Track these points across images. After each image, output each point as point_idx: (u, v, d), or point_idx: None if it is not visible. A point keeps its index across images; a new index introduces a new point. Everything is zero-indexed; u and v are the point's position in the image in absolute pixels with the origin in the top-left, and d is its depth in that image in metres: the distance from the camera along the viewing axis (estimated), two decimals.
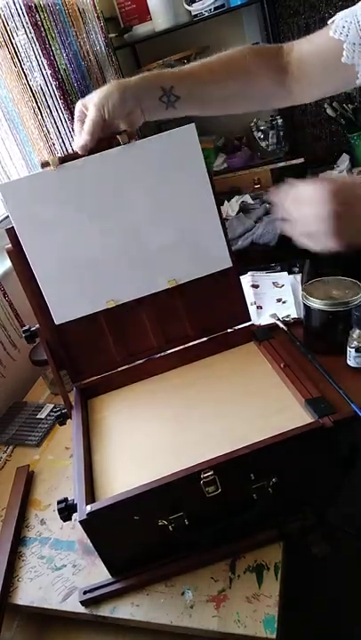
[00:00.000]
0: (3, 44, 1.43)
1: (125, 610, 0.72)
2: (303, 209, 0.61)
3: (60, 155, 1.49)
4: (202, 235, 0.88)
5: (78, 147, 0.79)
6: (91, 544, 0.72)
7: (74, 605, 0.75)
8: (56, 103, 1.56)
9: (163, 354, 0.98)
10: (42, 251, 0.84)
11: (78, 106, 0.78)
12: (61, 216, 0.83)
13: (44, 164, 0.80)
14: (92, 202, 0.83)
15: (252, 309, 1.21)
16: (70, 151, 0.84)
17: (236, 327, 0.98)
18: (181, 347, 0.98)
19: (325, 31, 0.75)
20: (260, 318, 1.20)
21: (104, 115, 0.75)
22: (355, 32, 0.72)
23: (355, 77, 0.75)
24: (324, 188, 0.59)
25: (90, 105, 0.76)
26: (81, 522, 0.67)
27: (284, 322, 0.97)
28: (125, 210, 0.85)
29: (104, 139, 0.79)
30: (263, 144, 2.29)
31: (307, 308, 0.88)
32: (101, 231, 0.85)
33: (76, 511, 0.69)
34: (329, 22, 0.75)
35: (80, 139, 0.78)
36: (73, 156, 0.81)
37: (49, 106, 1.55)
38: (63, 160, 0.81)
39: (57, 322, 0.88)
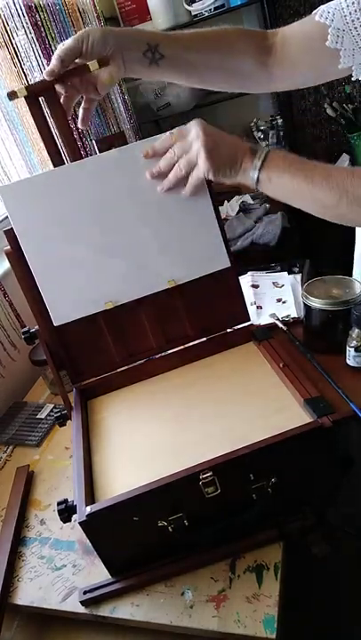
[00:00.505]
0: (3, 44, 1.43)
1: (125, 610, 0.72)
2: (181, 143, 0.74)
3: None
4: (199, 234, 0.87)
5: (46, 71, 0.76)
6: (91, 544, 0.72)
7: (74, 605, 0.75)
8: None
9: (162, 354, 0.98)
10: (41, 252, 0.84)
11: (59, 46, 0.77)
12: (61, 218, 0.83)
13: (12, 95, 0.77)
14: (92, 203, 0.83)
15: (251, 309, 1.21)
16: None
17: (236, 327, 0.98)
18: (181, 347, 0.98)
19: (311, 17, 0.78)
20: (259, 318, 1.20)
21: (81, 47, 0.74)
22: (340, 18, 0.74)
23: (337, 62, 0.77)
24: (199, 122, 0.73)
25: (69, 38, 0.75)
26: (80, 523, 0.67)
27: (283, 322, 0.97)
28: (124, 211, 0.84)
29: (75, 71, 0.77)
30: (263, 144, 2.29)
31: (307, 307, 0.88)
32: (101, 232, 0.85)
33: (76, 512, 0.69)
34: (314, 12, 0.77)
35: (50, 64, 0.76)
36: (41, 84, 0.78)
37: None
38: (31, 89, 0.78)
39: (56, 323, 0.88)
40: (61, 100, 0.80)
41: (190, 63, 0.81)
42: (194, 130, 0.73)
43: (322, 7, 0.76)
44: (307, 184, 0.69)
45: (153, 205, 0.84)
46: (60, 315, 0.88)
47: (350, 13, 0.74)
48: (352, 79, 0.80)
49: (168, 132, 0.77)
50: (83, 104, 0.83)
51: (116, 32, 0.76)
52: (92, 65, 0.75)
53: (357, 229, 1.07)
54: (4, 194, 0.80)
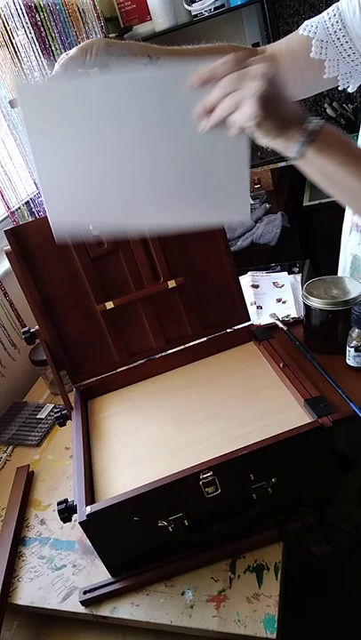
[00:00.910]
0: (3, 43, 1.43)
1: (125, 610, 0.72)
2: (239, 75, 0.59)
3: None
4: (226, 177, 0.74)
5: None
6: (91, 544, 0.72)
7: (74, 605, 0.75)
8: None
9: (162, 354, 0.98)
10: (49, 158, 0.73)
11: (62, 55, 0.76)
12: (75, 128, 0.72)
13: (13, 103, 0.77)
14: (114, 126, 0.71)
15: (252, 309, 1.21)
16: None
17: (236, 327, 0.98)
18: (181, 347, 0.98)
19: (296, 32, 0.81)
20: (260, 318, 1.20)
21: (85, 56, 0.74)
22: (322, 30, 0.77)
23: (322, 73, 0.79)
24: (265, 63, 0.58)
25: (73, 48, 0.75)
26: (80, 523, 0.67)
27: (283, 322, 0.97)
28: (145, 135, 0.72)
29: None
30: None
31: (307, 307, 0.88)
32: (117, 152, 0.73)
33: (76, 512, 0.69)
34: (300, 28, 0.80)
35: (54, 72, 0.76)
36: None
37: None
38: None
39: (51, 221, 0.75)
40: None
41: None
42: (258, 67, 0.59)
43: (306, 22, 0.79)
44: (354, 170, 0.60)
45: (181, 137, 0.72)
46: (58, 215, 0.75)
47: (332, 25, 0.77)
48: (338, 89, 0.82)
49: (222, 60, 0.62)
50: None
51: (120, 43, 0.76)
52: None
53: (344, 228, 1.06)
54: (20, 91, 0.69)
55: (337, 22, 0.77)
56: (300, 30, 0.80)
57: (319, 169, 0.62)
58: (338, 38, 0.77)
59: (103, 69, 0.75)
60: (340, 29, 0.77)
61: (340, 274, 1.05)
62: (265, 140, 0.63)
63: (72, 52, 0.75)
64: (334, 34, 0.77)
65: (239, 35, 2.33)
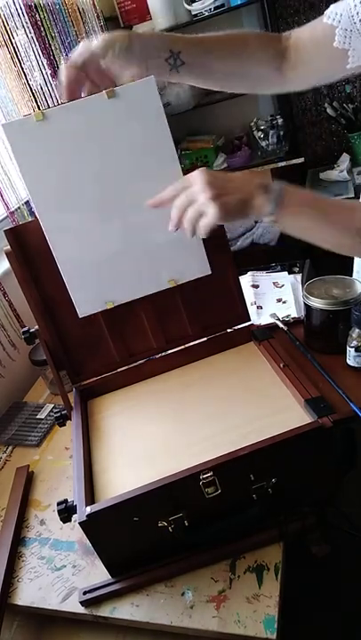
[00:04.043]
0: (3, 43, 1.43)
1: (125, 610, 0.72)
2: (186, 192, 0.71)
3: None
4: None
5: (66, 84, 0.76)
6: (91, 544, 0.72)
7: (74, 606, 0.75)
8: (56, 103, 1.56)
9: (162, 354, 0.98)
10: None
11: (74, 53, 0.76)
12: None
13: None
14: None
15: (252, 309, 1.21)
16: None
17: (236, 327, 0.98)
18: (181, 347, 0.98)
19: (320, 19, 0.78)
20: (260, 318, 1.20)
21: (106, 54, 0.74)
22: (347, 18, 0.75)
23: (346, 62, 0.77)
24: (199, 171, 0.70)
25: (94, 42, 0.75)
26: (80, 523, 0.67)
27: (283, 322, 0.97)
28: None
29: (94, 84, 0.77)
30: (263, 144, 2.29)
31: (307, 307, 0.88)
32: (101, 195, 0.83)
33: (76, 512, 0.69)
34: (324, 14, 0.78)
35: (66, 71, 0.76)
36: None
37: (49, 106, 1.55)
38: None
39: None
40: (65, 83, 0.78)
41: (208, 68, 0.82)
42: (198, 181, 0.70)
43: (330, 8, 0.76)
44: (324, 223, 0.70)
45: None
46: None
47: (358, 13, 0.74)
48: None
49: (171, 186, 0.75)
50: (87, 88, 0.81)
51: (143, 38, 0.76)
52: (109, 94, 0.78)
53: None
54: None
55: (358, 6, 0.73)
56: (325, 18, 0.77)
57: (293, 226, 0.71)
58: None
59: (124, 67, 0.76)
60: None
61: (354, 276, 1.04)
62: (241, 221, 0.73)
63: (95, 47, 0.74)
64: (359, 22, 0.74)
65: None
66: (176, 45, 0.78)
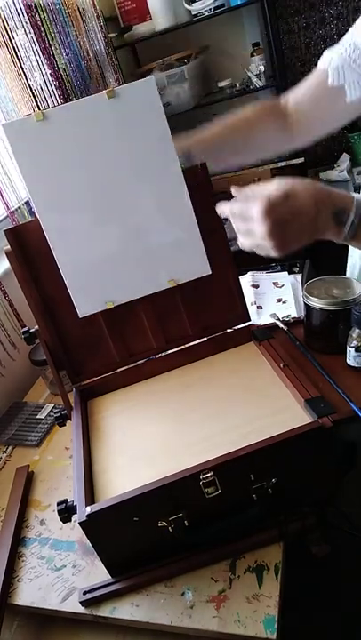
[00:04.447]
0: (3, 43, 1.42)
1: (125, 610, 0.72)
2: (248, 225, 0.63)
3: None
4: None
5: None
6: (91, 544, 0.72)
7: (74, 606, 0.75)
8: (56, 103, 1.56)
9: (162, 354, 0.98)
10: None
11: None
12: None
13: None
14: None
15: (252, 309, 1.21)
16: None
17: (236, 327, 0.98)
18: (181, 347, 0.98)
19: (312, 72, 0.84)
20: (260, 318, 1.20)
21: None
22: (337, 57, 0.79)
23: (344, 97, 0.80)
24: (260, 208, 0.60)
25: None
26: (80, 523, 0.67)
27: (283, 322, 0.97)
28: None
29: None
30: None
31: (307, 307, 0.88)
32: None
33: (76, 512, 0.69)
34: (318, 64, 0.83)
35: None
36: None
37: (49, 105, 1.55)
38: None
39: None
40: None
41: (218, 155, 0.90)
42: (258, 227, 0.61)
43: (324, 54, 0.81)
44: None
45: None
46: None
47: (346, 49, 0.78)
48: None
49: (228, 207, 0.67)
50: None
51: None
52: None
53: None
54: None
55: (350, 45, 0.78)
56: (319, 64, 0.82)
57: None
58: (353, 60, 0.78)
59: None
60: (353, 51, 0.77)
61: (348, 275, 1.05)
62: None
63: None
64: (349, 57, 0.78)
65: (239, 35, 2.33)
66: (186, 148, 0.86)
